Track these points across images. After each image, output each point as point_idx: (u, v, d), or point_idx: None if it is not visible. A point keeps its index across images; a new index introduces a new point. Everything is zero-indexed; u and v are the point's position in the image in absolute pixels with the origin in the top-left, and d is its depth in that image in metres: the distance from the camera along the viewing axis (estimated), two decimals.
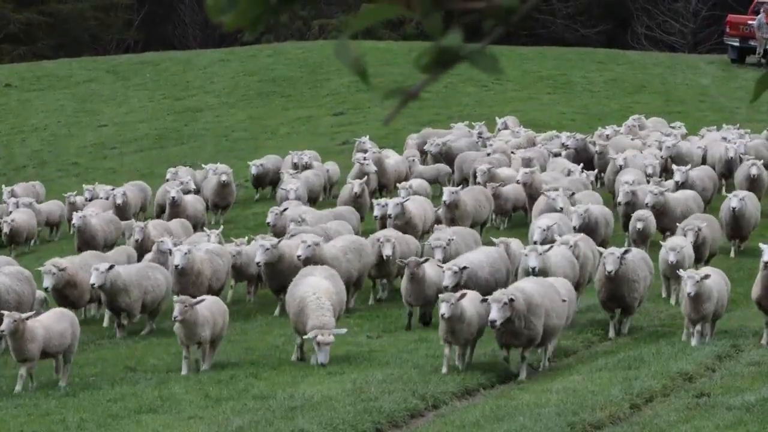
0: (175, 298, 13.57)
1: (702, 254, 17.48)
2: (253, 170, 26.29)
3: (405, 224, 19.43)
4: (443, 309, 12.66)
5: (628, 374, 12.40)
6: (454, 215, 20.30)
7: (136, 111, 39.90)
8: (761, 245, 13.79)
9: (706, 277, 13.44)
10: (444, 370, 12.67)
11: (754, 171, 21.88)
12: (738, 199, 19.25)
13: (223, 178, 24.39)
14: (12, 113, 40.71)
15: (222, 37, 58.32)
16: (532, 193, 21.72)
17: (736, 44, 40.75)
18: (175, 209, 22.43)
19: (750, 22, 39.79)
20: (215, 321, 13.46)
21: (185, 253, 16.11)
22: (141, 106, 40.56)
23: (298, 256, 15.79)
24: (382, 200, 20.69)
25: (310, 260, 15.67)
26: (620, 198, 20.40)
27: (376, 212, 20.16)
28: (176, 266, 16.08)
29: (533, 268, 14.40)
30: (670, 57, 46.63)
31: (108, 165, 33.67)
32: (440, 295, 13.11)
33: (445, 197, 20.41)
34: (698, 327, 13.56)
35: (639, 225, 18.48)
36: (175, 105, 40.24)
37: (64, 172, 33.28)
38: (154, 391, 12.58)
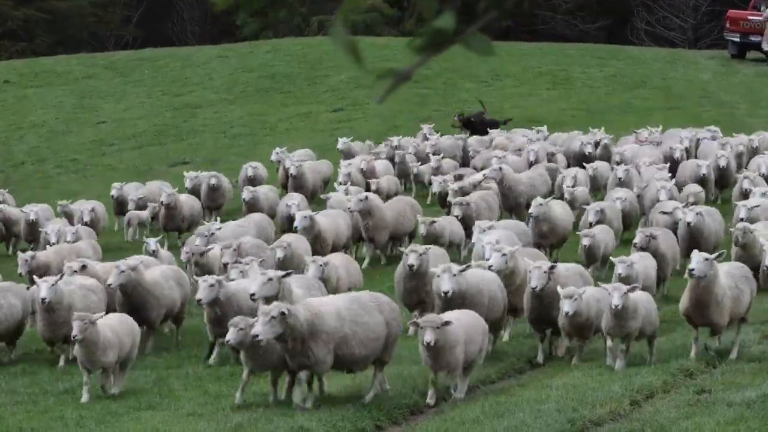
0: (75, 314, 12.23)
1: (663, 271, 16.15)
2: (250, 172, 25.92)
3: (314, 238, 18.49)
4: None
5: (628, 370, 12.39)
6: (367, 224, 19.38)
7: (135, 107, 39.87)
8: (694, 255, 12.87)
9: (633, 289, 12.57)
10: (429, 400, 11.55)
11: (704, 171, 21.57)
12: (694, 213, 17.47)
13: (212, 181, 24.24)
14: (10, 110, 40.66)
15: (221, 33, 58.28)
16: (505, 192, 21.51)
17: (737, 40, 40.71)
18: (170, 212, 22.73)
19: (752, 17, 39.74)
20: (122, 342, 12.26)
21: (51, 286, 13.70)
22: (139, 102, 40.52)
23: (109, 284, 14.11)
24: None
25: (125, 287, 14.24)
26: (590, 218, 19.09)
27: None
28: (42, 300, 13.70)
29: (445, 293, 12.72)
30: (670, 52, 46.60)
31: (107, 162, 33.65)
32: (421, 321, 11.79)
33: (351, 205, 19.44)
34: (622, 346, 12.54)
35: (585, 242, 17.22)
36: (174, 101, 40.20)
37: (63, 169, 33.25)
38: (153, 388, 12.56)
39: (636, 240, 16.75)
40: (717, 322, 12.61)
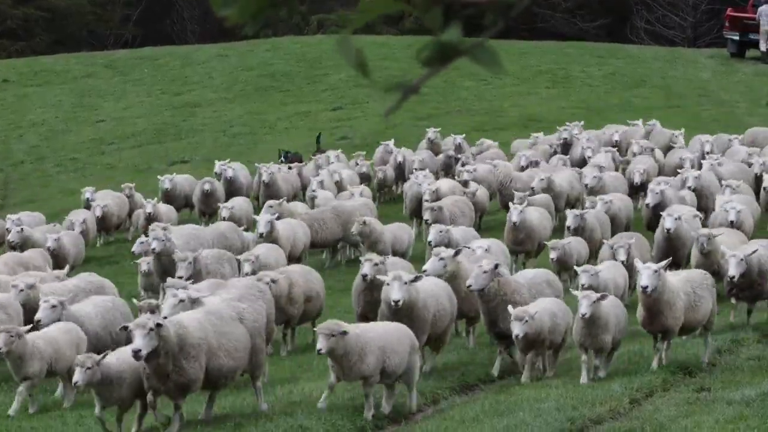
0: (1, 327, 11.87)
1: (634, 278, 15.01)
2: (230, 173, 24.95)
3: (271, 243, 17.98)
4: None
5: (627, 369, 12.39)
6: (266, 241, 18.28)
7: (135, 106, 39.86)
8: (638, 265, 12.54)
9: (603, 297, 12.05)
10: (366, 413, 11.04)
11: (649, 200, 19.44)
12: (673, 218, 16.70)
13: (206, 186, 23.42)
14: (9, 109, 40.66)
15: (220, 32, 58.26)
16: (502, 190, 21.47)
17: (736, 38, 40.73)
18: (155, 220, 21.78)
19: (747, 20, 39.79)
20: (58, 354, 11.84)
21: None
22: (139, 101, 40.52)
23: (37, 321, 12.67)
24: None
25: (27, 304, 13.52)
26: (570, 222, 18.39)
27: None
28: None
29: (396, 302, 12.06)
30: (670, 51, 46.59)
31: (106, 160, 33.65)
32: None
33: (353, 228, 18.79)
34: (596, 361, 12.05)
35: (553, 255, 16.50)
36: (174, 100, 40.20)
37: (62, 168, 33.26)
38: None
39: (568, 222, 17.16)
40: (670, 328, 12.28)
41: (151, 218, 21.36)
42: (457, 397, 12.03)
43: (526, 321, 11.86)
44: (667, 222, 16.57)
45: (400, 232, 19.27)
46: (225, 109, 38.37)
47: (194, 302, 11.59)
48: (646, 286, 11.99)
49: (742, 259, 14.06)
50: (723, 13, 42.92)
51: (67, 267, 17.46)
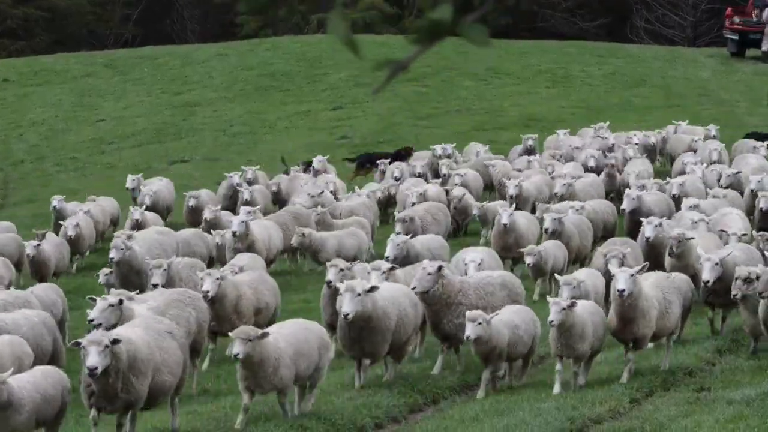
0: None
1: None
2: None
3: (248, 248, 17.48)
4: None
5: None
6: (242, 245, 17.70)
7: (135, 106, 39.85)
8: (613, 270, 12.20)
9: (573, 304, 11.54)
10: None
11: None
12: (653, 226, 16.17)
13: (191, 202, 22.28)
14: (9, 108, 40.65)
15: (220, 32, 58.25)
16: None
17: (736, 38, 40.73)
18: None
19: (741, 19, 39.84)
20: (40, 403, 9.99)
21: None
22: (139, 100, 40.51)
23: None
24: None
25: None
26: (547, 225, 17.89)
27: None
28: None
29: (345, 315, 11.59)
30: (670, 50, 46.59)
31: (106, 160, 33.64)
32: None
33: (234, 227, 17.88)
34: (575, 368, 11.66)
35: (529, 260, 15.90)
36: (174, 99, 40.19)
37: (62, 167, 33.25)
38: None
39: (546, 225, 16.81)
40: (642, 336, 11.89)
41: (139, 225, 20.47)
42: (457, 396, 12.02)
43: (479, 323, 11.35)
44: (647, 230, 16.07)
45: (349, 239, 18.63)
46: (225, 109, 38.36)
47: (122, 310, 11.22)
48: (623, 290, 11.57)
49: (717, 263, 13.38)
50: (723, 13, 42.93)
51: (10, 277, 16.56)
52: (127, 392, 9.84)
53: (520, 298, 12.92)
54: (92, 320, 11.39)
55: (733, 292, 12.51)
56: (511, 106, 36.06)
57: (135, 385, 9.86)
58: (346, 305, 11.53)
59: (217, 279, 12.96)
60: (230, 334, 10.48)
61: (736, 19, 40.38)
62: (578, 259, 17.58)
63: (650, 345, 12.60)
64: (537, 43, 46.52)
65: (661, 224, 16.23)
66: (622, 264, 13.64)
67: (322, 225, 19.45)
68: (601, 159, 23.85)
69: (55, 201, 22.34)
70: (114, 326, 10.97)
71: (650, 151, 25.73)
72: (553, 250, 16.32)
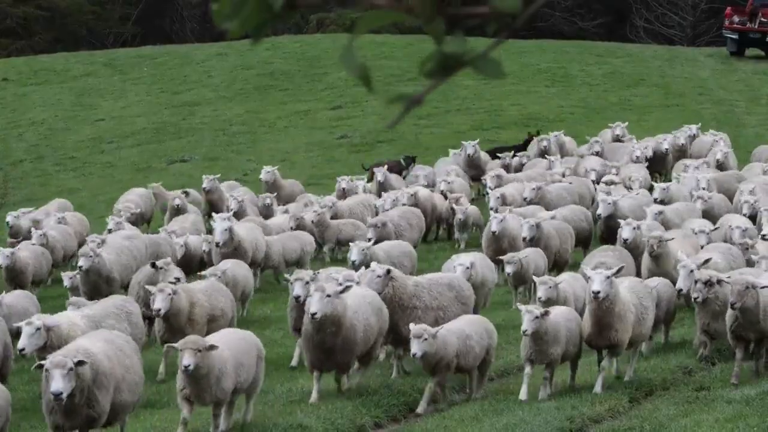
0: None
1: None
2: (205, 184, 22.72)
3: (234, 251, 17.09)
4: None
5: (627, 368, 12.40)
6: (228, 249, 17.25)
7: (134, 105, 39.86)
8: (587, 272, 11.78)
9: (547, 313, 11.25)
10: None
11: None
12: (631, 228, 15.85)
13: (176, 202, 21.59)
14: (9, 107, 40.66)
15: (220, 31, 58.21)
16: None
17: (735, 37, 40.77)
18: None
19: (738, 19, 39.88)
20: None
21: None
22: (138, 100, 40.51)
23: None
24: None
25: None
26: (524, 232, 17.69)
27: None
28: None
29: (313, 315, 11.21)
30: (669, 50, 46.60)
31: (105, 159, 33.65)
32: None
33: (217, 237, 17.42)
34: (546, 373, 11.39)
35: (509, 269, 15.34)
36: (173, 99, 40.19)
37: (62, 167, 33.27)
38: (152, 387, 12.57)
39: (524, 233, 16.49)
40: (619, 342, 11.46)
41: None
42: (457, 396, 12.03)
43: (425, 339, 10.87)
44: (624, 232, 15.74)
45: (291, 242, 18.37)
46: (224, 108, 38.37)
47: (49, 330, 10.81)
48: (598, 291, 11.17)
49: (692, 271, 12.74)
50: (722, 12, 42.95)
51: None
52: (90, 407, 9.36)
53: (469, 301, 12.65)
54: (23, 350, 10.91)
55: (694, 296, 12.10)
56: (511, 105, 36.08)
57: (99, 399, 9.36)
58: (315, 304, 11.15)
59: (170, 294, 12.31)
60: (177, 345, 9.99)
61: (736, 19, 40.42)
62: (558, 265, 17.00)
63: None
64: (536, 42, 46.53)
65: (639, 227, 15.88)
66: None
67: (320, 226, 19.40)
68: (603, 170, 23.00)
69: (10, 217, 21.08)
70: (44, 347, 10.59)
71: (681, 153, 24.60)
72: (534, 257, 15.83)
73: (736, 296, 11.40)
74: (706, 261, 13.06)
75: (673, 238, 14.73)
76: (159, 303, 12.30)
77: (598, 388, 11.36)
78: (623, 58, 42.92)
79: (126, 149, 34.54)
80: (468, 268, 13.84)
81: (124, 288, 15.99)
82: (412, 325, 11.13)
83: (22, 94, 42.35)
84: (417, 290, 12.25)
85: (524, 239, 16.74)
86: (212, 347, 9.84)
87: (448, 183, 22.47)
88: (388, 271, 12.21)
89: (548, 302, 12.14)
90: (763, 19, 39.51)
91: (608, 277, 11.30)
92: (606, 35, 53.35)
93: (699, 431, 10.05)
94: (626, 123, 27.06)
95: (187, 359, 9.76)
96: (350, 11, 52.44)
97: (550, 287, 12.39)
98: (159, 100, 40.34)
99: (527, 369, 11.37)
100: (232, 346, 10.25)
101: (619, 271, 11.78)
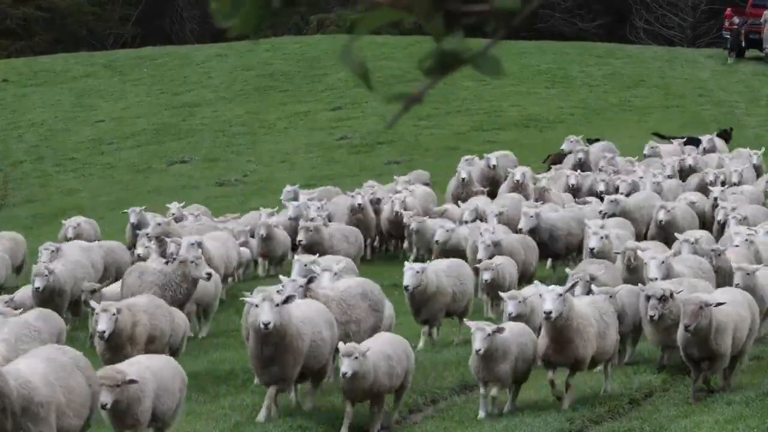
0: None
1: None
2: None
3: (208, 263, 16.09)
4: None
5: (627, 369, 12.39)
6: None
7: (134, 106, 39.86)
8: (540, 289, 11.27)
9: (500, 330, 10.84)
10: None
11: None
12: (598, 237, 15.51)
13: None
14: (9, 108, 40.66)
15: (219, 32, 58.23)
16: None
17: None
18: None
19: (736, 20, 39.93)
20: None
21: None
22: (138, 101, 40.52)
23: None
24: None
25: None
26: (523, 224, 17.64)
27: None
28: None
29: (266, 324, 10.72)
30: (669, 51, 46.60)
31: (105, 160, 33.65)
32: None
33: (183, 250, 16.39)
34: (493, 391, 10.89)
35: (486, 276, 14.92)
36: (173, 100, 40.19)
37: (62, 168, 33.27)
38: None
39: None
40: (581, 358, 10.99)
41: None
42: (456, 397, 12.02)
43: (356, 358, 10.22)
44: (591, 241, 15.51)
45: (217, 251, 17.51)
46: (224, 109, 38.37)
47: None
48: (549, 312, 10.68)
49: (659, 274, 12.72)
50: (722, 13, 42.97)
51: None
52: None
53: (381, 307, 12.25)
54: None
55: (650, 314, 11.53)
56: (511, 106, 36.08)
57: (33, 430, 8.54)
58: (266, 314, 10.60)
59: (113, 314, 11.65)
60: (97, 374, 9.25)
61: (736, 20, 40.42)
62: (524, 278, 16.44)
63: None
64: (536, 43, 46.54)
65: (607, 236, 15.65)
66: (589, 290, 12.51)
67: (310, 239, 18.01)
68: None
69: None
70: None
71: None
72: (508, 266, 15.36)
73: (690, 317, 10.88)
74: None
75: (649, 248, 14.50)
76: (103, 324, 11.60)
77: (564, 406, 10.90)
78: (623, 59, 42.92)
79: (126, 150, 34.54)
80: (418, 272, 13.49)
81: (74, 301, 15.71)
82: (341, 344, 10.55)
83: (22, 95, 42.35)
84: (327, 302, 11.64)
85: (519, 229, 16.66)
86: (132, 381, 9.15)
87: (403, 197, 20.57)
88: (310, 280, 11.85)
89: (518, 318, 11.65)
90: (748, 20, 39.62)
91: (560, 295, 10.83)
92: (606, 36, 53.33)
93: None
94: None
95: (104, 397, 9.04)
96: (350, 12, 52.46)
97: (520, 302, 11.91)
98: (159, 101, 40.34)
99: (482, 390, 10.91)
100: (156, 373, 9.57)
101: (571, 287, 11.38)
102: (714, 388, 11.39)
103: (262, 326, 10.61)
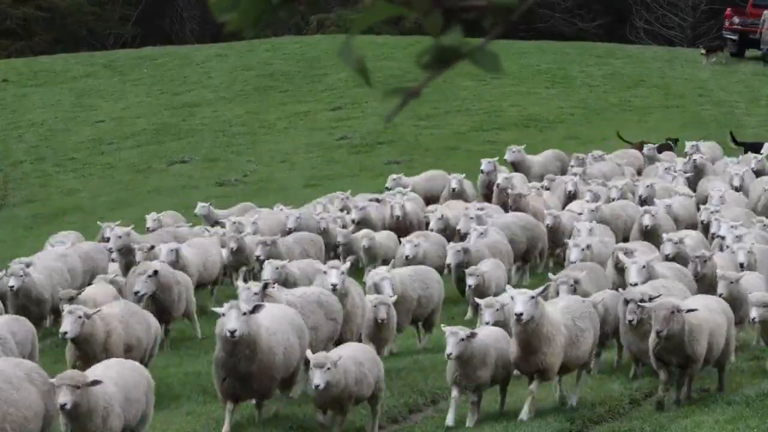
0: None
1: None
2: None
3: (183, 269, 16.01)
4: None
5: (626, 369, 12.38)
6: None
7: (134, 106, 39.86)
8: (510, 292, 10.98)
9: (473, 335, 10.56)
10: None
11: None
12: (579, 249, 15.31)
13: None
14: (9, 108, 40.67)
15: (219, 32, 58.26)
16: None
17: (735, 38, 40.80)
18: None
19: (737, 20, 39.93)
20: None
21: None
22: (138, 101, 40.52)
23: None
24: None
25: None
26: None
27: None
28: None
29: (231, 332, 10.43)
30: (669, 51, 46.63)
31: (105, 160, 33.66)
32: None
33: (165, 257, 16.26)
34: (473, 398, 10.70)
35: (471, 281, 14.53)
36: (173, 100, 40.20)
37: (62, 168, 33.27)
38: (162, 380, 12.55)
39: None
40: (548, 367, 10.63)
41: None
42: None
43: (328, 369, 9.96)
44: (572, 254, 15.28)
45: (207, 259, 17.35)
46: (224, 109, 38.37)
47: None
48: (521, 314, 10.35)
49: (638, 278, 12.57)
50: (722, 14, 42.97)
51: None
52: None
53: (338, 316, 12.03)
54: None
55: (628, 318, 11.26)
56: (511, 106, 36.07)
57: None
58: (232, 322, 10.27)
59: (80, 317, 11.19)
60: (53, 380, 8.80)
61: (736, 20, 40.43)
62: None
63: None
64: (536, 43, 46.55)
65: (589, 246, 15.41)
66: (574, 291, 12.32)
67: (267, 253, 17.02)
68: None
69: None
70: None
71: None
72: (495, 271, 15.00)
73: (662, 322, 10.59)
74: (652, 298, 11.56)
75: (636, 250, 14.38)
76: (66, 326, 11.11)
77: (523, 415, 10.57)
78: (623, 59, 42.93)
79: (126, 150, 34.54)
80: (387, 279, 13.21)
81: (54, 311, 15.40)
82: (310, 354, 10.28)
83: (22, 95, 42.35)
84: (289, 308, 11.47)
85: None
86: (94, 382, 8.73)
87: (360, 209, 19.85)
88: (266, 286, 11.62)
89: (496, 325, 11.40)
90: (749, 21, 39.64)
91: (533, 298, 10.49)
92: (606, 36, 53.34)
93: None
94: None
95: (63, 397, 8.58)
96: (350, 12, 52.47)
97: (497, 310, 11.63)
98: (159, 101, 40.35)
99: (454, 392, 10.66)
100: (120, 379, 9.18)
101: (544, 290, 10.95)
102: (666, 399, 10.91)
103: (227, 334, 10.30)
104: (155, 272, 14.45)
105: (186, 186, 29.74)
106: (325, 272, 12.45)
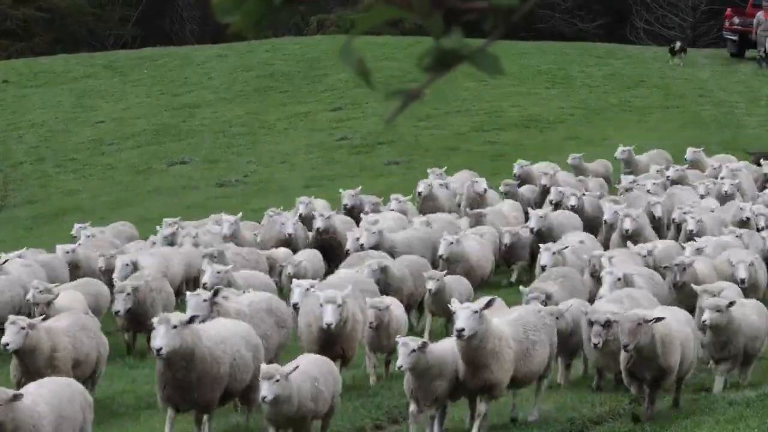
0: None
1: None
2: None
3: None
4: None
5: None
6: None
7: (134, 107, 39.87)
8: (453, 306, 10.19)
9: (425, 345, 9.96)
10: None
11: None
12: (550, 253, 15.09)
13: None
14: (9, 109, 40.67)
15: (219, 33, 58.29)
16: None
17: (735, 38, 40.81)
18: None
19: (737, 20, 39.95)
20: None
21: None
22: (138, 102, 40.53)
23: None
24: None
25: None
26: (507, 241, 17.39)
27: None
28: None
29: (157, 350, 10.03)
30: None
31: (105, 161, 33.66)
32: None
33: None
34: (431, 411, 10.24)
35: (431, 285, 14.00)
36: (173, 101, 40.20)
37: (62, 168, 33.28)
38: (153, 388, 12.55)
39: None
40: (496, 383, 10.05)
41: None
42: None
43: (277, 380, 9.41)
44: (543, 258, 14.98)
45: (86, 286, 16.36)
46: (224, 110, 38.37)
47: None
48: (462, 329, 9.72)
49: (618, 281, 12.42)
50: (722, 14, 42.98)
51: None
52: None
53: (287, 324, 11.69)
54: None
55: (594, 341, 10.87)
56: (511, 106, 36.07)
57: None
58: (159, 339, 9.81)
59: (23, 328, 10.68)
60: None
61: (736, 20, 40.44)
62: (481, 284, 16.03)
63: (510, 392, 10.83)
64: (536, 44, 46.54)
65: (560, 251, 15.02)
66: (545, 305, 11.78)
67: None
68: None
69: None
70: None
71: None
72: (456, 284, 14.20)
73: (628, 335, 10.14)
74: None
75: (615, 255, 14.21)
76: (7, 337, 10.63)
77: None
78: (623, 60, 42.93)
79: (126, 151, 34.54)
80: (308, 288, 12.38)
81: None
82: (263, 365, 9.77)
83: (22, 95, 42.36)
84: (239, 316, 11.12)
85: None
86: (16, 397, 8.26)
87: (325, 218, 18.71)
88: (216, 293, 11.33)
89: (414, 371, 10.36)
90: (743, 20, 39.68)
91: (476, 312, 9.84)
92: (606, 36, 53.34)
93: None
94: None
95: None
96: (350, 12, 52.46)
97: (413, 350, 10.36)
98: (159, 101, 40.35)
99: (412, 407, 10.11)
100: (54, 397, 8.69)
101: (488, 305, 10.04)
102: (639, 414, 10.62)
103: (154, 352, 9.92)
104: (134, 289, 14.02)
105: (186, 187, 29.75)
106: (321, 305, 11.41)
